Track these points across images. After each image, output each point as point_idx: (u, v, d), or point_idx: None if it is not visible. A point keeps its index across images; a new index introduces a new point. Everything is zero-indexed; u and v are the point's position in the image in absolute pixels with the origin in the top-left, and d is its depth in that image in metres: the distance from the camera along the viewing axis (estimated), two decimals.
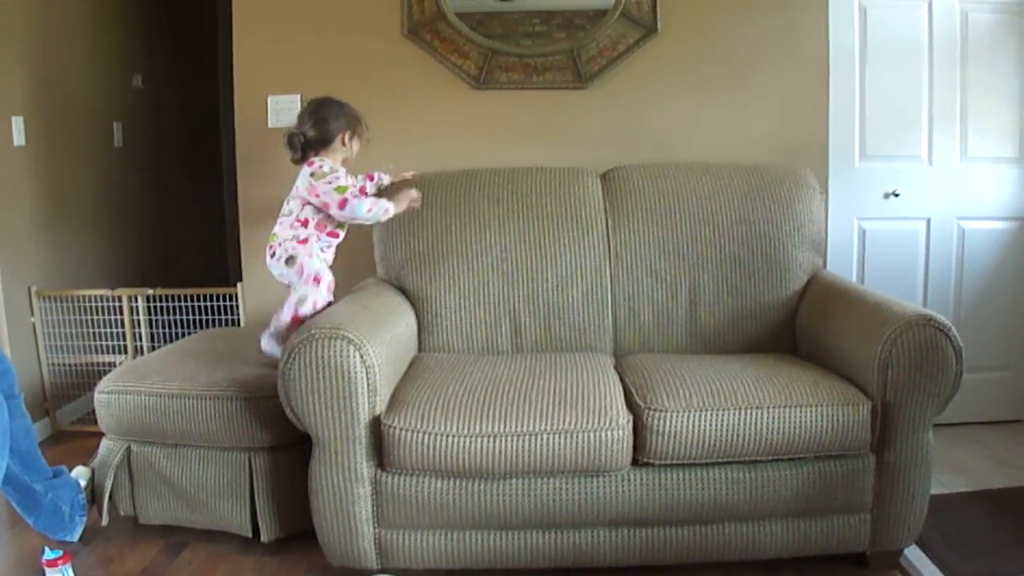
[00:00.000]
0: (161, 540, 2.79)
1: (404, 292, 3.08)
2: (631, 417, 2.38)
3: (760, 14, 3.47)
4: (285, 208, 2.90)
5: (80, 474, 2.80)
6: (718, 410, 2.34)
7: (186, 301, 3.76)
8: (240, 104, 3.55)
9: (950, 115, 3.59)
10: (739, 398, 2.38)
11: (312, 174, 2.82)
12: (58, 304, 3.82)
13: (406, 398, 2.43)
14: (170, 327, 3.76)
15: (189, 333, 3.61)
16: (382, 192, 3.16)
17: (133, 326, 3.77)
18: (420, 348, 3.04)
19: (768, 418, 2.34)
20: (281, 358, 2.34)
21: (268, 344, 2.83)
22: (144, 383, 2.71)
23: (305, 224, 2.84)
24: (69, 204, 4.06)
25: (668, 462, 2.37)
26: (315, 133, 2.88)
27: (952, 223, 3.64)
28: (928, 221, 3.63)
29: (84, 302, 3.81)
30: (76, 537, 2.72)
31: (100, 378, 3.68)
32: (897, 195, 3.59)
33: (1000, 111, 3.60)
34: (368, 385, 2.33)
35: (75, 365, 3.87)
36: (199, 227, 5.45)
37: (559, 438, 2.30)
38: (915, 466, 2.42)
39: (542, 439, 2.30)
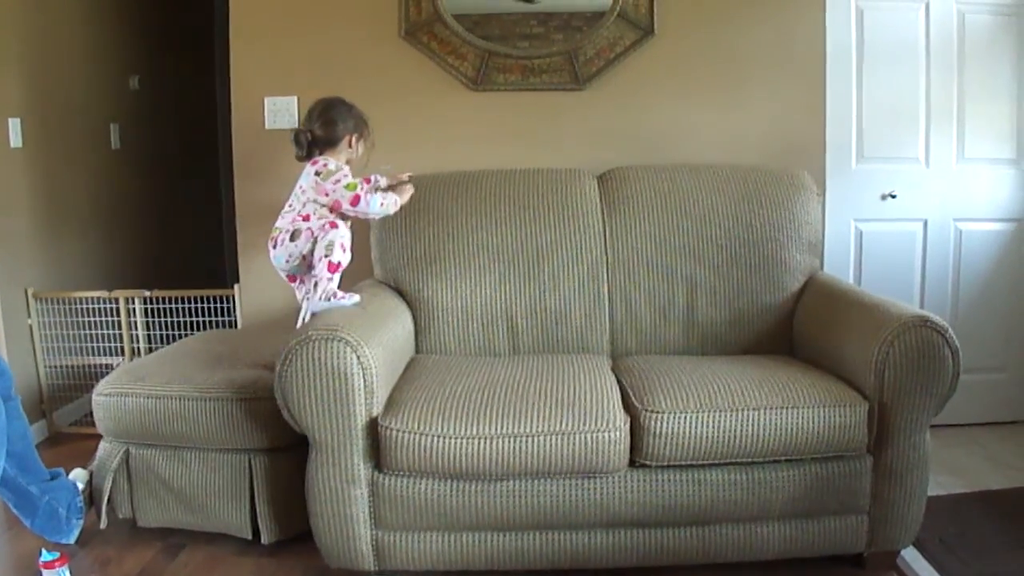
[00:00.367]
0: (158, 542, 2.79)
1: (401, 294, 3.08)
2: (628, 419, 2.38)
3: (757, 16, 3.47)
4: (287, 205, 2.89)
5: (78, 476, 2.80)
6: (715, 411, 2.35)
7: (183, 303, 3.76)
8: (237, 105, 3.55)
9: (947, 117, 3.59)
10: (736, 399, 2.38)
11: (318, 173, 2.81)
12: (55, 306, 3.81)
13: (403, 400, 2.43)
14: (167, 329, 3.75)
15: (186, 335, 3.60)
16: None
17: (130, 328, 3.76)
18: (417, 350, 3.04)
19: (765, 419, 2.34)
20: (278, 360, 2.33)
21: (317, 307, 2.71)
22: (142, 385, 2.70)
23: (307, 219, 2.82)
24: (66, 206, 4.06)
25: (665, 464, 2.37)
26: (323, 133, 2.87)
27: (949, 224, 3.65)
28: (925, 222, 3.64)
29: (81, 304, 3.81)
30: (72, 540, 2.71)
31: (97, 380, 3.68)
32: (894, 196, 3.59)
33: (997, 113, 3.61)
34: (365, 387, 2.33)
35: (72, 367, 3.86)
36: (196, 229, 5.45)
37: (556, 440, 2.30)
38: (912, 467, 2.42)
39: (539, 441, 2.30)
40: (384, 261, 3.13)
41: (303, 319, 2.84)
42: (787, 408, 2.36)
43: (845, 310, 2.71)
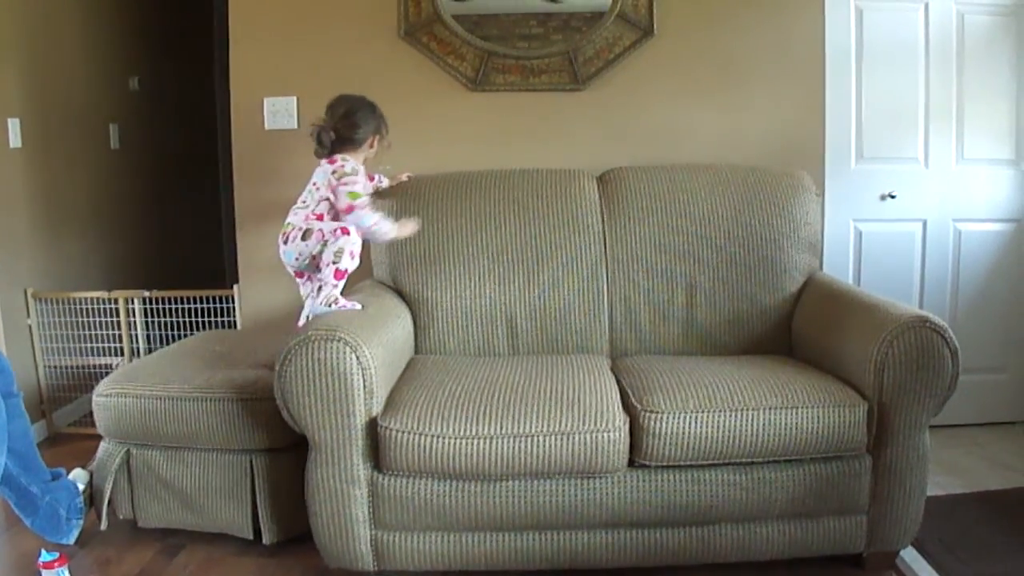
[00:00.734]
0: (158, 543, 2.79)
1: (401, 294, 3.08)
2: (627, 419, 2.38)
3: (756, 16, 3.48)
4: (300, 201, 2.89)
5: (78, 477, 2.79)
6: (714, 412, 2.35)
7: (182, 303, 3.76)
8: (236, 106, 3.55)
9: (946, 117, 3.59)
10: (735, 400, 2.38)
11: (334, 172, 2.83)
12: (54, 306, 3.81)
13: (403, 400, 2.43)
14: (167, 329, 3.75)
15: (186, 335, 3.60)
16: (382, 195, 3.17)
17: (129, 328, 3.76)
18: (417, 350, 3.04)
19: (764, 420, 2.34)
20: (277, 360, 2.33)
21: (318, 311, 2.71)
22: (143, 386, 2.70)
23: (320, 219, 2.84)
24: (65, 206, 4.06)
25: (664, 464, 2.37)
26: (347, 133, 2.88)
27: (948, 225, 3.65)
28: (924, 223, 3.64)
29: (80, 304, 3.81)
30: (72, 540, 2.71)
31: (97, 380, 3.68)
32: (893, 197, 3.59)
33: (996, 113, 3.61)
34: (364, 387, 2.33)
35: (72, 367, 3.86)
36: (195, 229, 5.45)
37: (555, 440, 2.30)
38: (911, 467, 2.42)
39: (538, 441, 2.30)
40: (383, 261, 3.13)
41: (306, 317, 2.84)
42: (786, 408, 2.36)
43: (844, 310, 2.71)
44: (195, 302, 3.76)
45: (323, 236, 2.75)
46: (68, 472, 2.79)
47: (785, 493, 2.40)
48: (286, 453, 2.67)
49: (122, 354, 3.78)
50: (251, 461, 2.68)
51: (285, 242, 2.83)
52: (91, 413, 2.79)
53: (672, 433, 2.33)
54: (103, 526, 2.78)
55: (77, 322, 3.82)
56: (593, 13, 3.44)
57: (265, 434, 2.63)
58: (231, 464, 2.70)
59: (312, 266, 2.83)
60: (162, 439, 2.71)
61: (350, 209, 2.79)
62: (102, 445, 2.82)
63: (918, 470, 2.43)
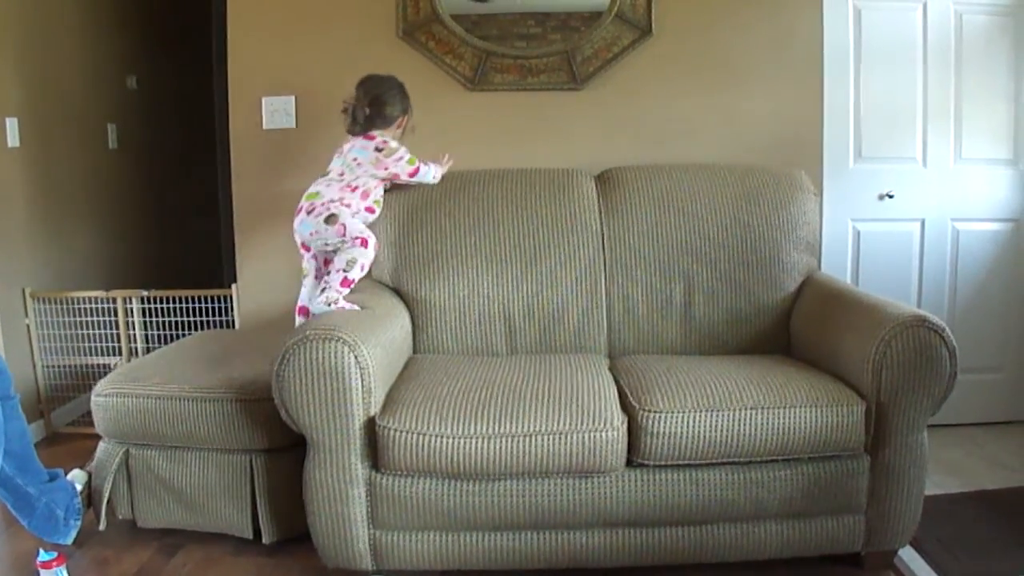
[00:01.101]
0: (155, 542, 2.78)
1: (399, 294, 3.08)
2: (625, 418, 2.38)
3: (755, 15, 3.48)
4: (336, 173, 2.94)
5: (76, 477, 2.79)
6: (712, 411, 2.35)
7: (181, 303, 3.76)
8: (234, 105, 3.55)
9: (944, 117, 3.60)
10: (733, 399, 2.38)
11: (379, 149, 2.93)
12: (52, 306, 3.81)
13: (401, 399, 2.43)
14: (165, 329, 3.75)
15: (184, 335, 3.60)
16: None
17: (128, 328, 3.76)
18: (415, 349, 3.04)
19: (762, 419, 2.34)
20: (275, 360, 2.33)
21: (318, 310, 2.73)
22: (142, 385, 2.70)
23: (354, 190, 2.90)
24: (63, 206, 4.06)
25: (663, 463, 2.37)
26: (381, 110, 2.97)
27: (946, 224, 3.65)
28: (922, 222, 3.64)
29: (78, 304, 3.81)
30: (69, 541, 2.70)
31: (95, 380, 3.68)
32: (891, 196, 3.60)
33: (994, 113, 3.61)
34: (363, 386, 2.33)
35: (70, 367, 3.86)
36: (193, 228, 5.45)
37: (554, 439, 2.30)
38: (909, 467, 2.42)
39: (537, 440, 2.30)
40: (382, 261, 3.12)
41: (307, 299, 2.89)
42: (784, 408, 2.36)
43: (842, 310, 2.71)
44: (193, 302, 3.76)
45: (344, 233, 2.79)
46: (67, 473, 2.79)
47: (783, 492, 2.40)
48: (286, 453, 2.66)
49: (120, 353, 3.78)
50: (251, 461, 2.68)
51: (308, 214, 2.85)
52: (89, 413, 2.79)
53: (670, 432, 2.33)
54: (101, 526, 2.78)
55: (75, 322, 3.82)
56: (591, 13, 3.44)
57: (265, 434, 2.63)
58: (231, 464, 2.70)
59: (321, 248, 2.87)
60: (162, 439, 2.70)
61: (415, 172, 3.02)
62: (101, 445, 2.82)
63: (916, 469, 2.43)
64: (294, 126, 3.51)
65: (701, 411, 2.35)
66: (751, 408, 2.35)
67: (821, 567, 2.57)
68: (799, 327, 2.98)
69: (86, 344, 3.84)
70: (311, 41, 3.49)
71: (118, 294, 3.76)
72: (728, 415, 2.34)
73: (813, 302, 2.96)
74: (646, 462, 2.37)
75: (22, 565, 2.63)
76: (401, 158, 2.97)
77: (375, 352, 2.40)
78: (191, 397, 2.64)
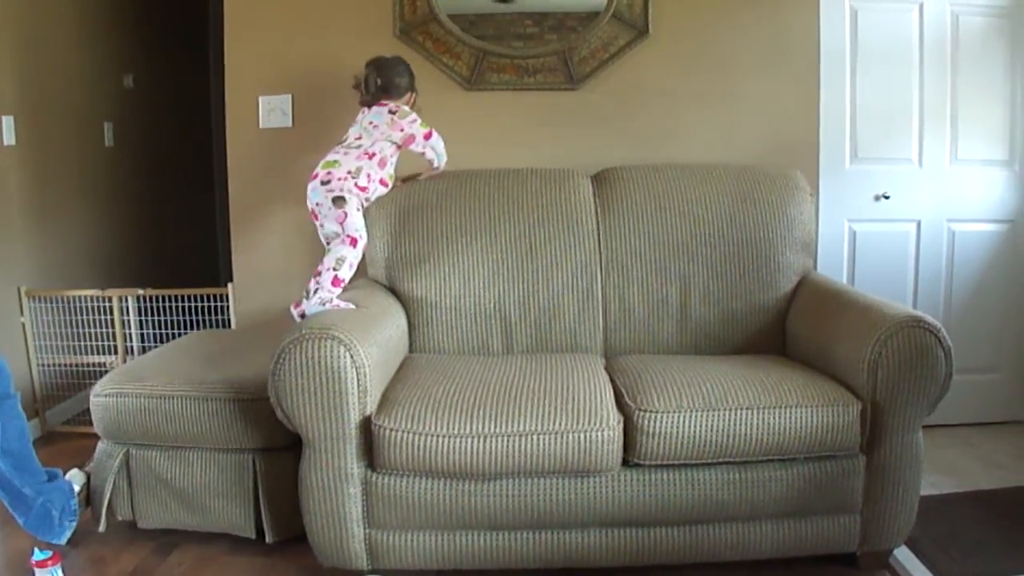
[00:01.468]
0: (151, 542, 2.78)
1: (395, 293, 3.08)
2: (621, 418, 2.38)
3: (751, 16, 3.48)
4: (354, 139, 2.96)
5: (74, 478, 2.77)
6: (708, 411, 2.35)
7: (176, 302, 3.75)
8: (231, 104, 3.54)
9: (940, 118, 3.60)
10: (729, 399, 2.38)
11: (393, 112, 3.01)
12: (48, 304, 3.80)
13: (397, 398, 2.43)
14: (160, 327, 3.75)
15: (179, 334, 3.60)
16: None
17: (123, 326, 3.76)
18: (411, 349, 3.04)
19: (758, 419, 2.34)
20: (271, 359, 2.33)
21: (312, 310, 2.71)
22: (143, 385, 2.68)
23: (372, 157, 2.94)
24: (59, 204, 4.05)
25: (658, 463, 2.37)
26: (392, 79, 3.06)
27: (942, 225, 3.66)
28: (918, 223, 3.65)
29: (74, 302, 3.80)
30: (64, 541, 2.70)
31: (90, 379, 3.69)
32: (887, 197, 3.60)
33: (990, 114, 3.62)
34: (358, 385, 2.33)
35: (65, 366, 3.85)
36: (189, 227, 5.44)
37: (549, 439, 2.30)
38: (905, 467, 2.43)
39: (532, 440, 2.30)
40: (377, 260, 3.12)
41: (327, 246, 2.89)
42: (780, 408, 2.36)
43: (838, 310, 2.72)
44: (188, 300, 3.75)
45: (343, 220, 2.81)
46: (65, 472, 2.78)
47: (779, 492, 2.40)
48: (289, 452, 2.65)
49: (115, 352, 3.77)
50: (254, 460, 2.68)
51: (323, 183, 2.85)
52: (84, 412, 2.79)
53: (666, 432, 2.33)
54: (101, 528, 2.77)
55: (71, 320, 3.81)
56: (588, 13, 3.44)
57: (268, 433, 2.62)
58: (234, 463, 2.69)
59: (328, 216, 2.85)
60: (163, 439, 2.69)
61: (430, 135, 3.07)
62: (99, 446, 2.80)
63: (911, 469, 2.44)
64: (290, 125, 3.51)
65: (697, 411, 2.35)
66: (747, 408, 2.36)
67: (817, 567, 2.57)
68: (795, 327, 2.98)
69: (82, 343, 3.83)
70: (308, 40, 3.49)
71: (114, 293, 3.75)
72: (724, 415, 2.35)
73: (809, 302, 2.96)
74: (642, 462, 2.37)
75: (17, 564, 2.62)
76: (415, 120, 3.03)
77: (371, 351, 2.40)
78: (194, 396, 2.63)
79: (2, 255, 3.62)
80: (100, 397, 2.70)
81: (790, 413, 2.35)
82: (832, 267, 3.59)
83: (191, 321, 3.74)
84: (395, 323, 2.87)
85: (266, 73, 3.51)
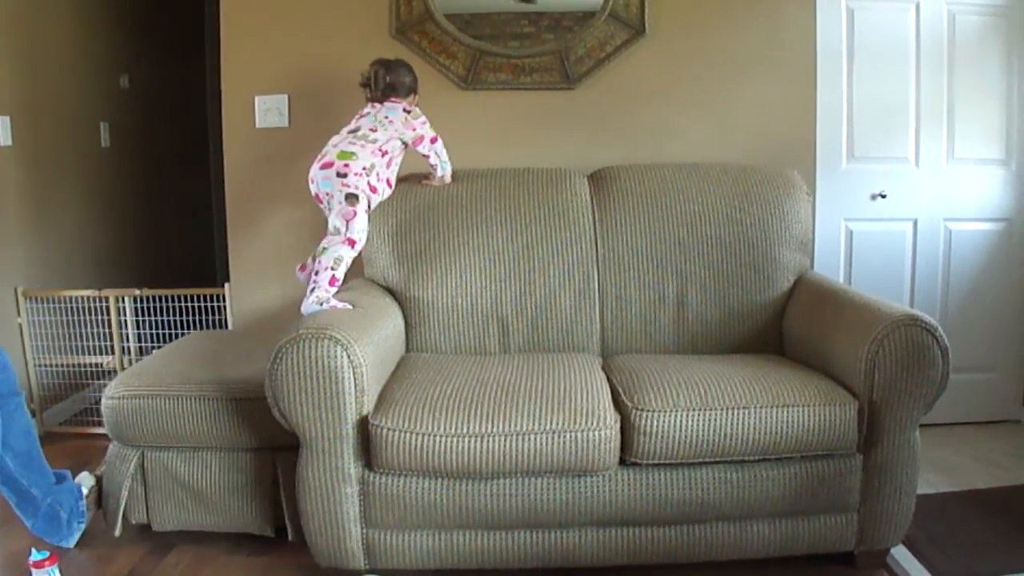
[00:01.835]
0: (148, 541, 2.77)
1: (392, 292, 3.08)
2: (618, 417, 2.38)
3: (748, 15, 3.48)
4: (367, 132, 2.95)
5: (83, 480, 2.76)
6: (705, 410, 2.35)
7: (173, 302, 3.75)
8: (227, 104, 3.54)
9: (937, 117, 3.60)
10: (726, 398, 2.38)
11: (407, 111, 3.05)
12: (45, 305, 3.80)
13: (394, 398, 2.43)
14: (157, 328, 3.74)
15: (177, 333, 3.59)
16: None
17: (120, 327, 3.75)
18: (408, 348, 3.04)
19: (755, 418, 2.34)
20: (269, 358, 2.33)
21: (309, 309, 2.70)
22: (157, 387, 2.65)
23: (384, 155, 2.95)
24: (56, 204, 4.04)
25: (655, 462, 2.37)
26: (399, 78, 3.08)
27: (939, 224, 3.66)
28: (915, 222, 3.65)
29: (71, 303, 3.79)
30: (72, 544, 2.69)
31: (87, 379, 3.68)
32: (884, 196, 3.60)
33: (987, 113, 3.62)
34: (355, 385, 2.33)
35: (62, 366, 3.85)
36: (186, 227, 5.44)
37: (546, 438, 2.30)
38: (902, 466, 2.43)
39: (529, 439, 2.30)
40: (374, 260, 3.12)
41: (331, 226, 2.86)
42: (777, 407, 2.36)
43: (835, 309, 2.72)
44: (186, 301, 3.74)
45: (349, 219, 2.80)
46: (74, 476, 2.77)
47: (776, 491, 2.40)
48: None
49: (112, 352, 3.77)
50: (273, 459, 2.67)
51: (338, 173, 2.83)
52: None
53: (663, 431, 2.33)
54: (117, 532, 2.74)
55: (68, 320, 3.80)
56: (584, 12, 3.44)
57: (290, 431, 2.60)
58: (253, 463, 2.68)
59: (336, 208, 2.83)
60: (180, 440, 2.66)
61: (435, 139, 3.09)
62: (111, 448, 2.77)
63: (908, 468, 2.44)
64: (287, 125, 3.50)
65: (694, 410, 2.35)
66: (744, 407, 2.36)
67: (814, 566, 2.57)
68: (792, 326, 2.98)
69: (78, 343, 3.83)
70: (304, 40, 3.48)
71: (111, 293, 3.74)
72: (721, 414, 2.35)
73: (806, 301, 2.96)
74: (639, 461, 2.37)
75: (15, 564, 2.62)
76: (425, 122, 3.06)
77: (368, 351, 2.40)
78: (212, 396, 2.62)
79: None
80: (113, 400, 2.66)
81: (787, 412, 2.35)
82: (829, 266, 3.59)
83: (188, 321, 3.73)
84: (392, 322, 2.87)
85: (262, 73, 3.50)
